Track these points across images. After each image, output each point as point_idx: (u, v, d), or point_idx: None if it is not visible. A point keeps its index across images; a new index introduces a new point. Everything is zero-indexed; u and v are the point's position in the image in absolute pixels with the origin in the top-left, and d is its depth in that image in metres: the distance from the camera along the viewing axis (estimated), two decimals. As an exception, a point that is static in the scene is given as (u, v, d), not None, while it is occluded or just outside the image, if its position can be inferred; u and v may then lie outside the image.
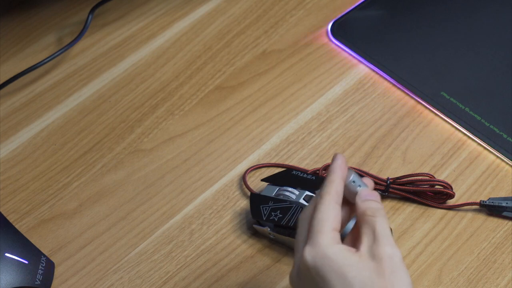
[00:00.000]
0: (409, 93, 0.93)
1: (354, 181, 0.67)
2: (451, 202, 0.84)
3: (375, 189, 0.83)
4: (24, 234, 0.81)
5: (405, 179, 0.83)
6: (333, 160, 0.67)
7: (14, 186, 0.86)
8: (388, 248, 0.62)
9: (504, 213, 0.82)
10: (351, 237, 0.67)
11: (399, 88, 0.93)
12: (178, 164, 0.88)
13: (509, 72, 0.94)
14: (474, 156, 0.87)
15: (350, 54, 0.97)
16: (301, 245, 0.64)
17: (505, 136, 0.88)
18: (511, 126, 0.89)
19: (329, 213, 0.64)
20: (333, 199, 0.65)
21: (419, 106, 0.92)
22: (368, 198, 0.66)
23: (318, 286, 0.62)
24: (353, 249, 0.63)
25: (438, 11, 1.00)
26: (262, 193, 0.82)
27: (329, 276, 0.61)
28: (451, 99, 0.92)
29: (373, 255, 0.62)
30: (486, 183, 0.85)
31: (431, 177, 0.84)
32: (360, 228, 0.64)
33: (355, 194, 0.66)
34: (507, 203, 0.82)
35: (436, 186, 0.83)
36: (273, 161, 0.88)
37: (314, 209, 0.65)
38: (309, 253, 0.62)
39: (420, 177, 0.83)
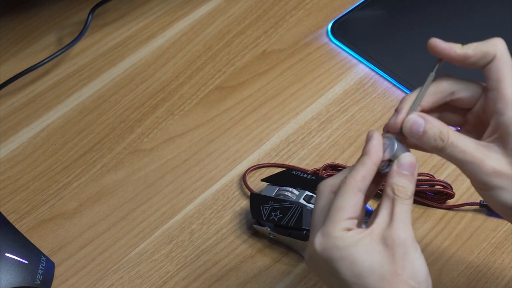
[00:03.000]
0: (409, 93, 0.92)
1: (394, 155, 0.63)
2: (451, 202, 0.84)
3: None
4: (24, 234, 0.81)
5: (405, 179, 0.83)
6: (367, 139, 0.63)
7: (14, 186, 0.86)
8: (402, 233, 0.60)
9: (504, 213, 0.82)
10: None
11: (399, 88, 0.93)
12: (178, 164, 0.88)
13: (509, 72, 0.94)
14: (474, 156, 0.87)
15: (350, 54, 0.97)
16: (316, 229, 0.62)
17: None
18: (511, 126, 0.89)
19: (348, 200, 0.61)
20: (356, 186, 0.61)
21: (419, 106, 0.92)
22: (405, 171, 0.62)
23: (328, 273, 0.60)
24: (365, 231, 0.60)
25: (438, 11, 1.00)
26: (262, 193, 0.82)
27: (338, 265, 0.60)
28: (451, 99, 0.92)
29: (385, 238, 0.60)
30: (486, 183, 0.85)
31: (431, 177, 0.84)
32: (380, 203, 0.62)
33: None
34: (507, 203, 0.82)
35: (436, 186, 0.83)
36: (273, 161, 0.88)
37: (336, 193, 0.62)
38: (319, 244, 0.60)
39: (420, 177, 0.83)
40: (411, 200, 0.62)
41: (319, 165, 0.87)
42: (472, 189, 0.84)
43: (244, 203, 0.85)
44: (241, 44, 0.99)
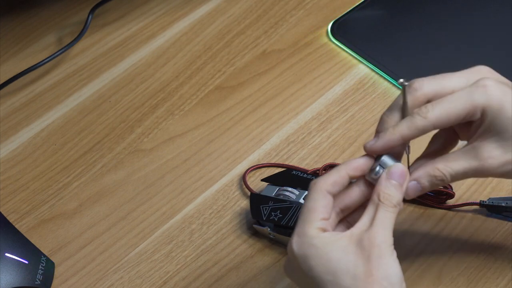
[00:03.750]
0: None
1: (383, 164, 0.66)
2: (451, 202, 0.84)
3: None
4: (24, 234, 0.81)
5: (405, 179, 0.83)
6: (361, 158, 0.66)
7: (14, 186, 0.86)
8: (379, 237, 0.62)
9: (504, 213, 0.82)
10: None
11: (399, 88, 0.93)
12: (178, 164, 0.88)
13: (510, 72, 0.94)
14: (474, 156, 0.87)
15: (350, 54, 0.97)
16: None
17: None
18: None
19: (318, 202, 0.64)
20: (325, 187, 0.64)
21: (419, 106, 0.92)
22: (394, 180, 0.64)
23: (305, 274, 0.62)
24: (344, 233, 0.62)
25: (438, 11, 1.00)
26: (262, 193, 0.82)
27: (313, 263, 0.61)
28: (451, 99, 0.92)
29: (362, 240, 0.61)
30: (486, 183, 0.85)
31: (431, 177, 0.84)
32: (366, 208, 0.64)
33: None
34: (507, 203, 0.82)
35: (436, 186, 0.83)
36: (273, 161, 0.88)
37: (307, 195, 0.65)
38: (296, 243, 0.63)
39: (420, 177, 0.83)
40: (397, 209, 0.64)
41: (319, 165, 0.87)
42: (472, 189, 0.84)
43: (244, 203, 0.85)
44: (241, 44, 0.99)
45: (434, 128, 0.66)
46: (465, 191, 0.85)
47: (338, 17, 1.00)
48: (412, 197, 0.68)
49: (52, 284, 0.79)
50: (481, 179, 0.85)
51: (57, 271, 0.80)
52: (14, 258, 0.77)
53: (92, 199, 0.85)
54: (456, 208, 0.83)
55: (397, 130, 0.66)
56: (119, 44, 0.99)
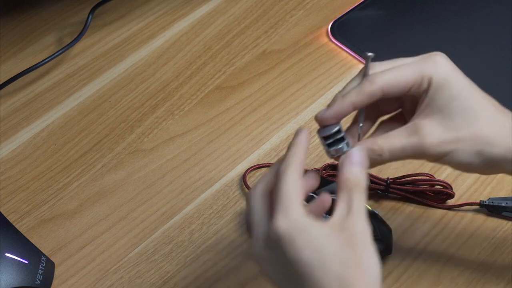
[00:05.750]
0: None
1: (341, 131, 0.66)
2: (451, 202, 0.84)
3: (374, 188, 0.83)
4: (24, 234, 0.81)
5: (405, 179, 0.83)
6: (295, 134, 0.65)
7: (14, 186, 0.86)
8: (361, 224, 0.60)
9: (504, 213, 0.82)
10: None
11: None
12: (178, 164, 0.88)
13: (510, 72, 0.94)
14: (474, 156, 0.87)
15: (350, 54, 0.97)
16: (264, 219, 0.62)
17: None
18: None
19: (296, 186, 0.62)
20: (297, 172, 0.63)
21: (419, 106, 0.92)
22: (356, 164, 0.64)
23: (289, 256, 0.59)
24: (323, 222, 0.61)
25: (438, 11, 1.00)
26: (262, 193, 0.82)
27: (301, 245, 0.59)
28: (451, 99, 0.92)
29: (345, 228, 0.60)
30: (486, 183, 0.85)
31: (431, 177, 0.84)
32: (338, 197, 0.63)
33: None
34: (506, 203, 0.82)
35: (436, 186, 0.83)
36: (273, 161, 0.88)
37: (278, 182, 0.62)
38: (283, 223, 0.60)
39: (420, 177, 0.83)
40: (365, 187, 0.63)
41: (319, 165, 0.87)
42: (472, 189, 0.84)
43: (244, 203, 0.85)
44: (241, 44, 0.99)
45: (383, 94, 0.66)
46: (465, 191, 0.85)
47: (338, 17, 1.00)
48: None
49: (52, 284, 0.79)
50: (481, 179, 0.85)
51: (57, 271, 0.80)
52: (14, 258, 0.77)
53: (92, 199, 0.85)
54: (456, 208, 0.83)
55: (346, 97, 0.67)
56: (119, 44, 0.99)
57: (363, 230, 0.60)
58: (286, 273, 0.60)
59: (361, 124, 0.69)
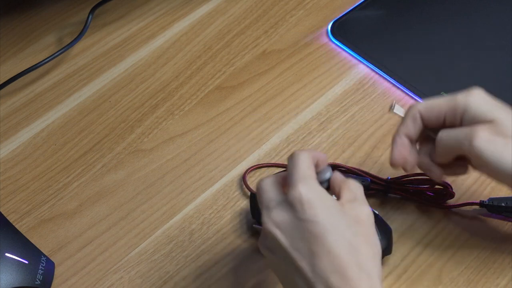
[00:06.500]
0: (409, 93, 0.93)
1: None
2: (451, 202, 0.84)
3: (374, 188, 0.83)
4: (24, 234, 0.81)
5: (405, 179, 0.83)
6: (292, 157, 0.69)
7: (14, 186, 0.86)
8: (367, 210, 0.67)
9: (504, 213, 0.82)
10: None
11: (399, 88, 0.93)
12: (178, 164, 0.88)
13: (509, 72, 0.94)
14: (474, 156, 0.87)
15: (350, 54, 0.97)
16: (278, 193, 0.67)
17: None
18: None
19: (311, 165, 0.68)
20: (310, 157, 0.68)
21: (419, 106, 0.92)
22: (348, 180, 0.70)
23: (306, 216, 0.64)
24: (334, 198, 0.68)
25: (438, 11, 1.00)
26: (262, 193, 0.82)
27: (320, 208, 0.64)
28: (451, 99, 0.92)
29: (353, 208, 0.66)
30: (486, 183, 0.85)
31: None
32: (340, 188, 0.69)
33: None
34: (506, 203, 0.82)
35: (436, 186, 0.83)
36: (273, 161, 0.88)
37: (292, 161, 0.68)
38: (303, 188, 0.65)
39: (420, 177, 0.83)
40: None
41: (319, 165, 0.87)
42: (472, 189, 0.84)
43: (244, 203, 0.85)
44: (241, 44, 0.99)
45: (424, 119, 0.75)
46: (465, 191, 0.85)
47: (338, 17, 1.00)
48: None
49: (52, 284, 0.79)
50: (482, 179, 0.85)
51: (57, 271, 0.80)
52: (14, 258, 0.77)
53: (92, 199, 0.85)
54: (456, 208, 0.83)
55: (397, 131, 0.77)
56: (119, 44, 0.99)
57: (369, 215, 0.67)
58: (298, 233, 0.65)
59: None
